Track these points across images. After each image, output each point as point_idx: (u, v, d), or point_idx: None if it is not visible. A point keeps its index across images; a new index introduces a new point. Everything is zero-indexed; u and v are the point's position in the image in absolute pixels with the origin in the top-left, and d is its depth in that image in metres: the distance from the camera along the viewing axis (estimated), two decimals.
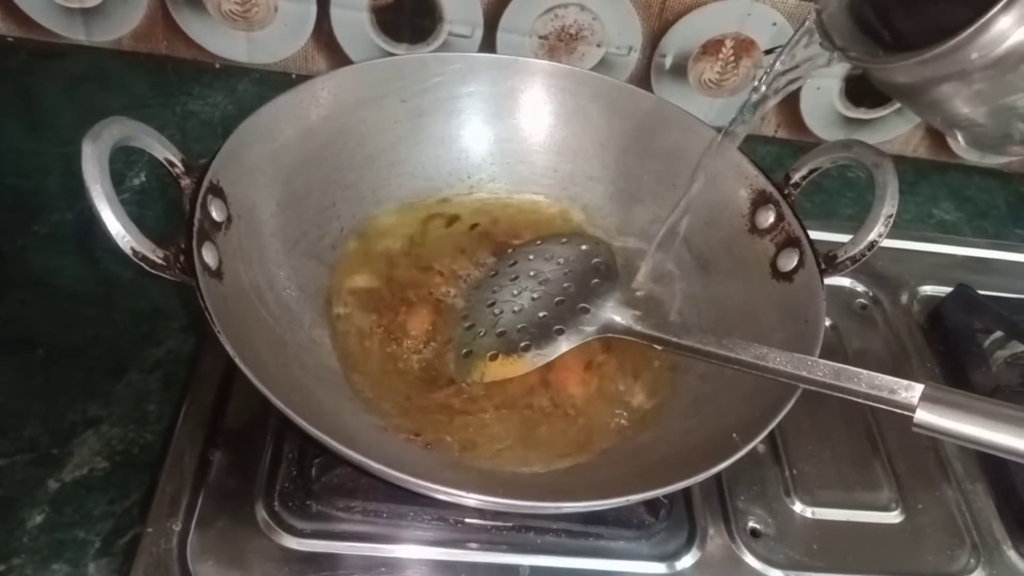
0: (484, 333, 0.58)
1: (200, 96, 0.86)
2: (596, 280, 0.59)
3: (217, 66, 0.88)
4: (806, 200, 0.87)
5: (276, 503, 0.54)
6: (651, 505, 0.56)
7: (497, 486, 0.51)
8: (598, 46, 0.87)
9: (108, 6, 0.83)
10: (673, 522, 0.57)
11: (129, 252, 0.46)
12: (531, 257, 0.63)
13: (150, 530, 0.51)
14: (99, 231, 0.46)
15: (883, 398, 0.45)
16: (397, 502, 0.54)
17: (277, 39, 0.86)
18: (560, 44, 0.86)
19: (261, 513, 0.53)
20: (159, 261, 0.47)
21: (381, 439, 0.52)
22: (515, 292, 0.60)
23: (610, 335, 0.57)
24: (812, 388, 0.48)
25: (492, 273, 0.63)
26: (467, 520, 0.54)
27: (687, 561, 0.56)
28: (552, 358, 0.56)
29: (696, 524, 0.58)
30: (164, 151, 0.50)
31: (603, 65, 0.88)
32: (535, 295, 0.59)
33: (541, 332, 0.57)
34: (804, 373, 0.48)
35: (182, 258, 0.48)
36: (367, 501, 0.54)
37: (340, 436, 0.43)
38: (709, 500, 0.59)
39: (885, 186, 0.55)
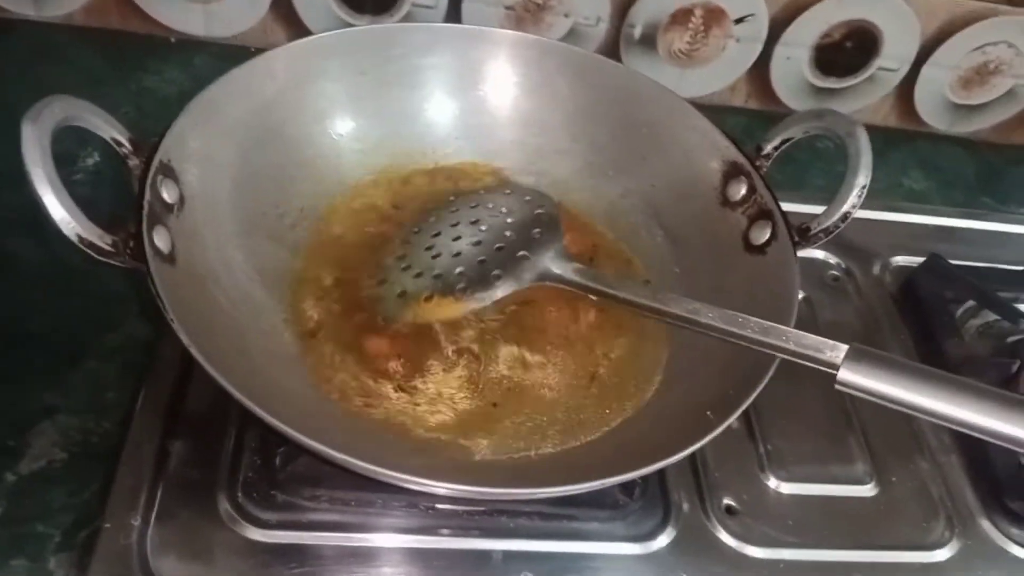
0: (420, 274, 0.57)
1: (156, 72, 0.83)
2: (537, 230, 0.58)
3: (173, 40, 0.86)
4: (776, 172, 0.86)
5: (239, 494, 0.52)
6: (625, 485, 0.56)
7: (468, 473, 0.50)
8: (566, 16, 0.85)
9: None
10: (647, 501, 0.57)
11: (75, 239, 0.44)
12: (473, 205, 0.61)
13: (108, 526, 0.50)
14: None
15: (809, 356, 0.47)
16: (365, 490, 0.53)
17: (234, 11, 0.84)
18: (527, 14, 0.85)
19: (224, 504, 0.52)
20: (107, 247, 0.45)
21: (347, 426, 0.51)
22: (455, 237, 0.58)
23: (547, 283, 0.56)
24: (743, 344, 0.49)
25: (432, 218, 0.61)
26: (438, 506, 0.53)
27: (662, 540, 0.56)
28: (488, 303, 0.55)
29: (671, 502, 0.57)
30: (110, 130, 0.48)
31: (571, 36, 0.86)
32: (475, 240, 0.58)
33: (479, 276, 0.56)
34: (734, 329, 0.49)
35: (132, 243, 0.45)
36: (334, 489, 0.52)
37: (302, 425, 0.42)
38: (683, 478, 0.58)
39: (858, 156, 0.54)
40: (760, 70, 0.90)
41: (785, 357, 0.48)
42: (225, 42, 0.86)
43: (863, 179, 0.54)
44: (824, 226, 0.55)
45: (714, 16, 0.85)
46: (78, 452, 0.55)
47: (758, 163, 0.59)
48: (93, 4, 0.83)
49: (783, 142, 0.59)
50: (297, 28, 0.84)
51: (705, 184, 0.61)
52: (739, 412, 0.47)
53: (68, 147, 0.71)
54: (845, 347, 0.46)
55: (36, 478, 0.53)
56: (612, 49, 0.87)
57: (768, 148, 0.59)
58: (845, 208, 0.55)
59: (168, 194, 0.50)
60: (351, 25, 0.83)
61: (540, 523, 0.54)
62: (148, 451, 0.53)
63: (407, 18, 0.83)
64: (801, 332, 0.48)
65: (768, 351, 0.48)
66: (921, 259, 0.74)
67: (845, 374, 0.45)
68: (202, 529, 0.51)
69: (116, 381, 0.58)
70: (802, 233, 0.56)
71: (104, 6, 0.83)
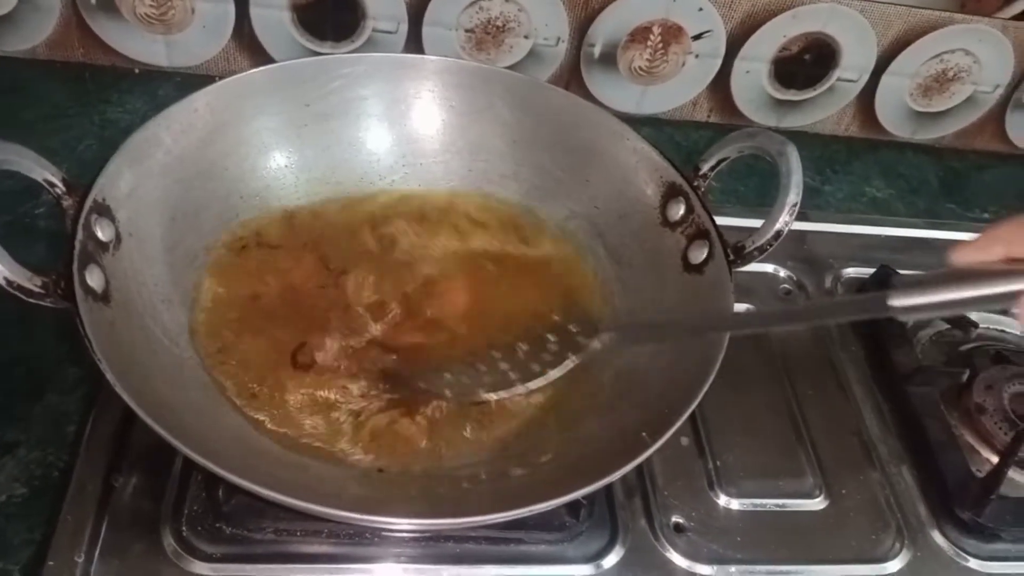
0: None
1: (119, 103, 0.83)
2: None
3: (136, 71, 0.86)
4: (739, 183, 0.87)
5: (184, 528, 0.52)
6: (571, 506, 0.56)
7: (409, 502, 0.50)
8: (525, 37, 0.85)
9: (19, 14, 0.81)
10: (595, 522, 0.57)
11: (2, 283, 0.44)
12: None
13: (51, 563, 0.50)
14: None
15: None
16: (310, 520, 0.52)
17: (196, 41, 0.84)
18: (487, 37, 0.85)
19: (168, 539, 0.52)
20: (36, 289, 0.45)
21: (285, 459, 0.51)
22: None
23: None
24: None
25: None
26: (383, 534, 0.53)
27: (611, 560, 0.56)
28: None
29: (618, 522, 0.57)
30: (42, 171, 0.48)
31: (532, 57, 0.87)
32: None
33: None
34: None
35: (63, 284, 0.46)
36: (279, 521, 0.53)
37: (235, 464, 0.42)
38: (632, 496, 0.59)
39: (789, 175, 0.55)
40: (721, 85, 0.91)
41: None
42: (189, 72, 0.86)
43: (794, 197, 0.55)
44: (758, 244, 0.56)
45: (672, 33, 0.86)
46: (39, 487, 0.55)
47: (696, 183, 0.60)
48: (56, 38, 0.83)
49: (719, 162, 0.59)
50: (260, 56, 0.85)
51: (645, 205, 0.62)
52: (670, 434, 0.47)
53: (31, 182, 0.72)
54: None
55: None
56: (573, 69, 0.88)
57: (705, 168, 0.59)
58: (777, 226, 0.55)
59: (103, 233, 0.50)
60: (313, 52, 0.84)
61: (487, 547, 0.54)
62: (93, 486, 0.53)
63: (367, 43, 0.84)
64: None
65: None
66: (872, 270, 0.74)
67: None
68: (147, 565, 0.51)
69: (77, 414, 0.58)
70: (737, 252, 0.56)
71: (67, 39, 0.83)
